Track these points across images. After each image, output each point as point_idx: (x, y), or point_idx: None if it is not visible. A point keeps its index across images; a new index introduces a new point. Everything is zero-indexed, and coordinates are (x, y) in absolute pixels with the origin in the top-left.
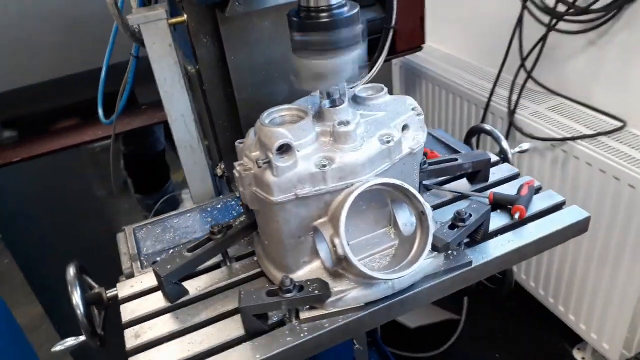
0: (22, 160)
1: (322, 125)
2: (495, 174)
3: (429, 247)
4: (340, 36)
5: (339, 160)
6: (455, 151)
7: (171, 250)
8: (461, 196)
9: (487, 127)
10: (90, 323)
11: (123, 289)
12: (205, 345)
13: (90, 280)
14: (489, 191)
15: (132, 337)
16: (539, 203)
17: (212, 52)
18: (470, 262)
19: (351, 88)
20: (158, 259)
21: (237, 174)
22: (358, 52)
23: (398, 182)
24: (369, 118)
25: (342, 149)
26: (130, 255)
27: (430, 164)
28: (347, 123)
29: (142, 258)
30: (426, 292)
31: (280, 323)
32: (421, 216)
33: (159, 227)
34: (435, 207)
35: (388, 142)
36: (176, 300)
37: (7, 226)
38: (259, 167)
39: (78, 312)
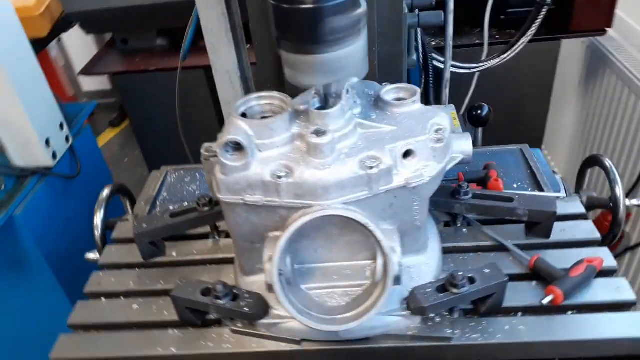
0: (171, 69)
1: (303, 128)
2: (566, 230)
3: (379, 306)
4: (325, 29)
5: (297, 175)
6: (538, 185)
7: (185, 204)
8: (502, 246)
9: (607, 161)
10: (105, 244)
11: (120, 229)
12: (140, 318)
13: (128, 206)
14: (537, 253)
15: (94, 283)
16: (596, 292)
17: (263, 7)
18: (449, 339)
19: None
20: (171, 207)
21: (201, 157)
22: (358, 45)
23: (362, 219)
24: (371, 130)
25: (309, 162)
26: (147, 198)
27: (475, 196)
28: (322, 133)
29: (157, 202)
30: (386, 352)
31: (219, 321)
32: (386, 267)
33: (189, 175)
34: (469, 250)
35: (370, 168)
36: (148, 259)
37: (141, 126)
38: (206, 159)
39: (96, 233)
